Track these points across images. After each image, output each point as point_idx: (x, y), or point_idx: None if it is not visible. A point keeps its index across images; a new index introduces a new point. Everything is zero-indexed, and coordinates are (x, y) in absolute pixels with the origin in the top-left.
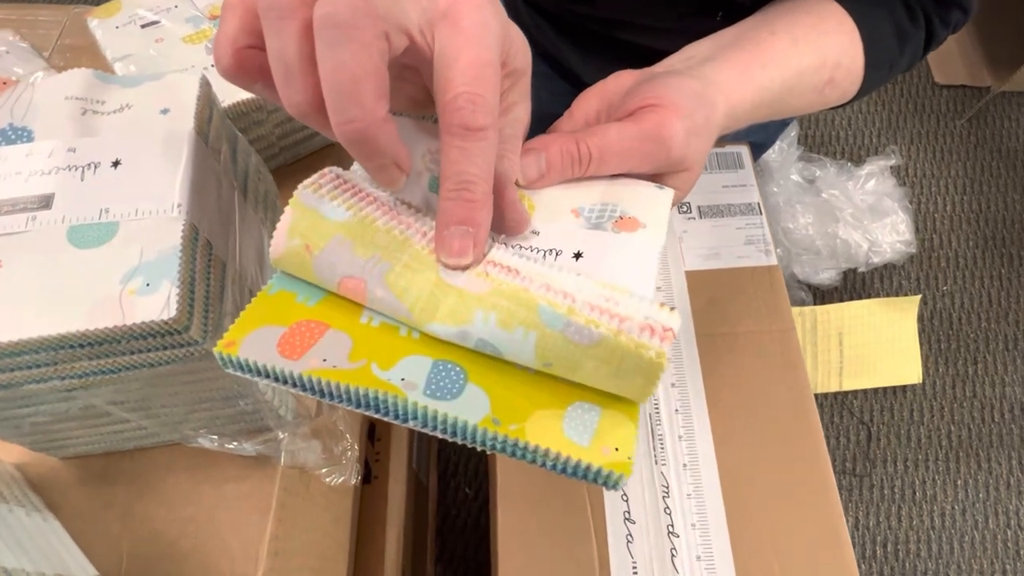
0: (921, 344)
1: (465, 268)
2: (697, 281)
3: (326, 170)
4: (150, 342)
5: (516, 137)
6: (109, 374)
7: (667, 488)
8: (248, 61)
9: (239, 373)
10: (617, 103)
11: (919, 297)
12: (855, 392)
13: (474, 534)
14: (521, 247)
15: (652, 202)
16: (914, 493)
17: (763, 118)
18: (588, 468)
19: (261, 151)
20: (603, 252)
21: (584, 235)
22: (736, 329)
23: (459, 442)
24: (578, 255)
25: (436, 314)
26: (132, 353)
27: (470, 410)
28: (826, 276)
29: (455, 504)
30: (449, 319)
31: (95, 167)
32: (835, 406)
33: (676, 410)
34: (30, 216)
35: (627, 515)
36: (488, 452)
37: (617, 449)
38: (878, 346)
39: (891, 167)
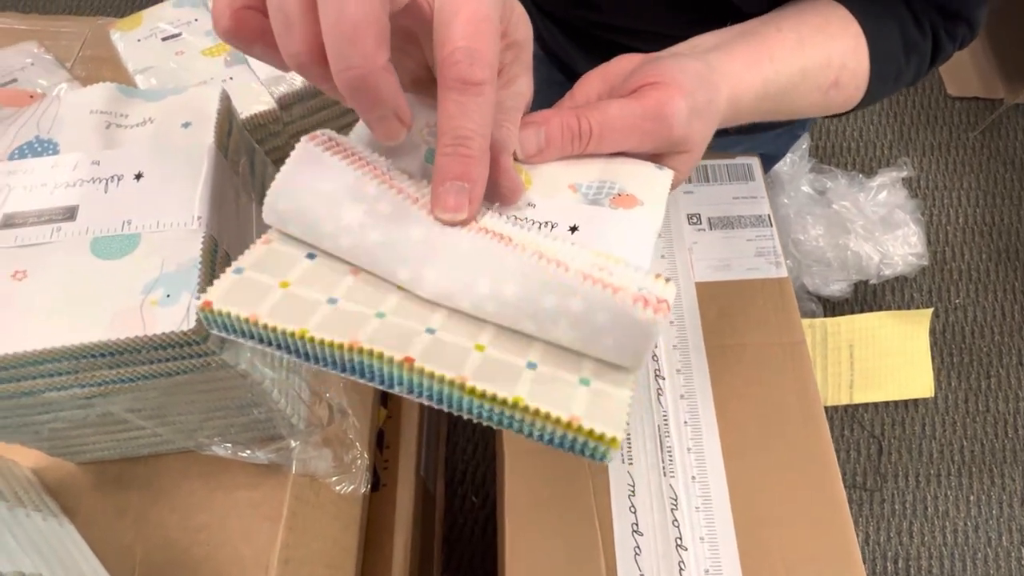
0: (933, 357)
1: (461, 224)
2: (707, 292)
3: (318, 132)
4: (169, 352)
5: (516, 109)
6: (128, 383)
7: (675, 500)
8: (247, 22)
9: (223, 333)
10: (619, 85)
11: (931, 310)
12: (866, 405)
13: (481, 542)
14: (516, 218)
15: (651, 181)
16: (926, 509)
17: (766, 114)
18: (575, 440)
19: (277, 162)
20: (599, 226)
21: (581, 210)
22: (746, 341)
23: (446, 409)
24: (574, 228)
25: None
26: (151, 363)
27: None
28: (837, 288)
29: (462, 512)
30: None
31: (118, 180)
32: (845, 419)
33: (685, 422)
34: (55, 227)
35: (635, 527)
36: (475, 420)
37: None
38: (889, 359)
39: (903, 179)
